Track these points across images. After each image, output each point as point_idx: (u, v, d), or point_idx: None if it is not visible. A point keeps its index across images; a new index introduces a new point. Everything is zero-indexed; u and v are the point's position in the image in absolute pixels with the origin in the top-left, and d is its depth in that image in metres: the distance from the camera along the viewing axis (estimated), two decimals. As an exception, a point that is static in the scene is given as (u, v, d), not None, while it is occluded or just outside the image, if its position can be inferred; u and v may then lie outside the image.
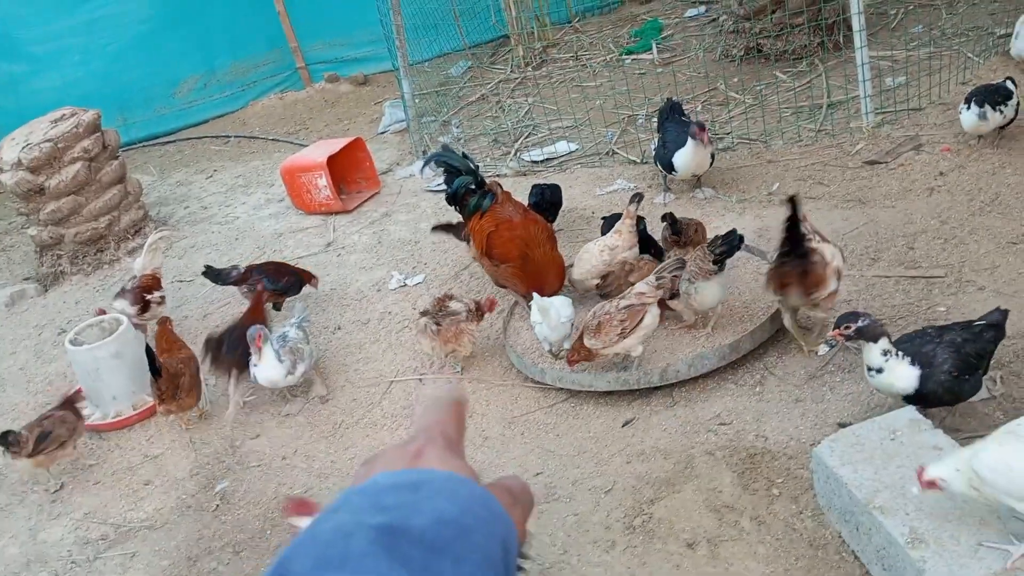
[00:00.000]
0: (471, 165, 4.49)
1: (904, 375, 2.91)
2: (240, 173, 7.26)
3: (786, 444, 3.24)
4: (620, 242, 4.21)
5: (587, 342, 3.84)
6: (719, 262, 3.88)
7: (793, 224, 3.38)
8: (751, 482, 3.17)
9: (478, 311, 4.12)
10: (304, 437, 4.09)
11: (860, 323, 3.00)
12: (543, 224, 4.38)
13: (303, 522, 2.77)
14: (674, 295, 3.92)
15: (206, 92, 8.34)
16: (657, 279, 3.92)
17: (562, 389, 3.91)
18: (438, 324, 4.00)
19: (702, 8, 8.21)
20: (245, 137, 7.99)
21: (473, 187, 4.42)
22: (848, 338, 3.03)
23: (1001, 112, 4.86)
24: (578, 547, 3.11)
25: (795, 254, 3.42)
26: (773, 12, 6.60)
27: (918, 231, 4.44)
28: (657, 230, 4.42)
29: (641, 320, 3.81)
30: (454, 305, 4.11)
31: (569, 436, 3.69)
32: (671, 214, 4.29)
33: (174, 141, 8.31)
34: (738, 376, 3.72)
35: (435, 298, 4.17)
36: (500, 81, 7.67)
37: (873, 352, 2.98)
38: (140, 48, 7.98)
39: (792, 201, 3.35)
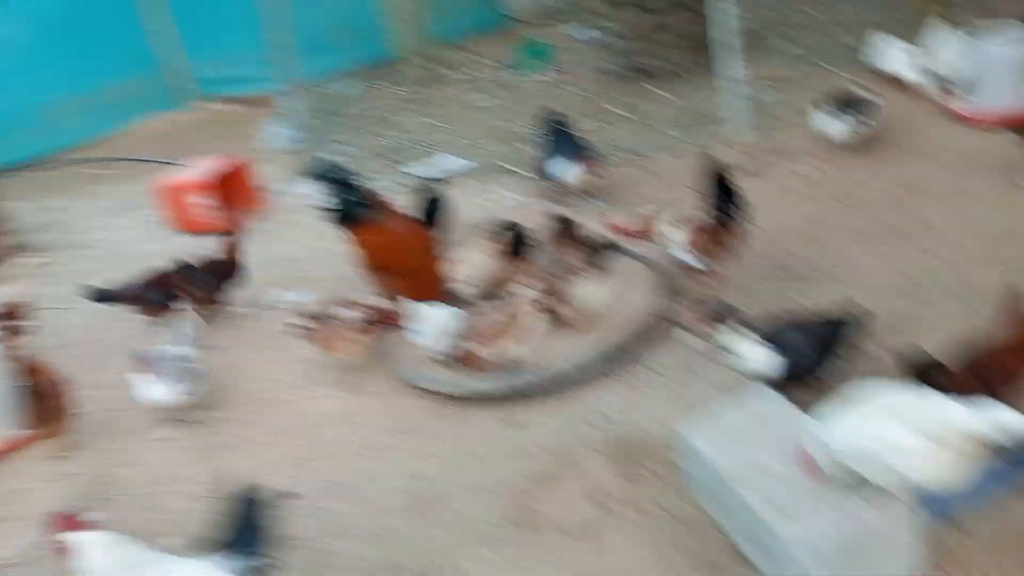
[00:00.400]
0: (356, 180, 4.49)
1: (766, 359, 3.05)
2: (119, 196, 6.99)
3: (662, 433, 3.31)
4: (484, 261, 4.32)
5: (473, 348, 3.86)
6: (601, 265, 4.00)
7: (723, 180, 3.79)
8: (630, 471, 3.24)
9: (377, 322, 4.10)
10: (181, 461, 3.93)
11: (725, 312, 3.15)
12: (426, 235, 4.40)
13: (74, 538, 2.68)
14: (558, 298, 3.99)
15: (84, 114, 8.01)
16: (540, 283, 3.99)
17: (448, 395, 3.90)
18: (312, 327, 3.97)
19: (588, 28, 8.44)
20: (126, 160, 7.71)
21: (357, 201, 4.40)
22: (716, 325, 3.16)
23: (863, 121, 5.20)
24: (463, 547, 3.10)
25: (730, 210, 3.87)
26: (655, 32, 6.87)
27: (788, 234, 4.66)
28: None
29: (526, 324, 3.86)
30: (343, 311, 4.08)
31: (455, 440, 3.67)
32: (561, 216, 4.40)
33: (50, 165, 7.94)
34: (619, 373, 3.80)
35: (331, 301, 4.14)
36: (391, 99, 7.69)
37: (738, 339, 3.12)
38: (12, 69, 7.62)
39: (712, 161, 3.69)
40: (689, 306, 3.50)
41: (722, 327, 3.18)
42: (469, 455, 3.55)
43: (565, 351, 3.93)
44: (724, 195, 4.05)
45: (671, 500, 3.04)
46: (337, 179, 4.49)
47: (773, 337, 3.10)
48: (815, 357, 3.07)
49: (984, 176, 4.85)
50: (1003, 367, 2.92)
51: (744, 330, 3.12)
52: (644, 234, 4.16)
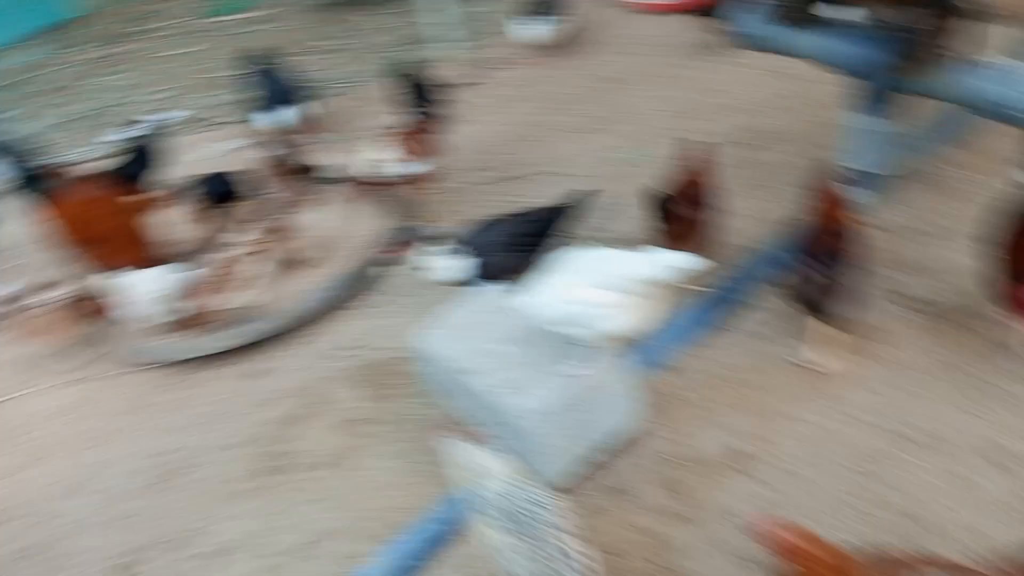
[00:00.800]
0: (30, 153, 4.04)
1: (462, 266, 3.03)
2: None
3: (402, 350, 3.31)
4: (191, 216, 4.06)
5: (196, 306, 3.63)
6: (321, 195, 3.88)
7: (417, 81, 3.96)
8: (375, 392, 3.23)
9: (82, 300, 3.72)
10: None
11: (413, 232, 3.14)
12: (123, 199, 4.03)
13: None
14: (282, 235, 3.84)
15: None
16: (259, 225, 3.81)
17: (180, 362, 3.66)
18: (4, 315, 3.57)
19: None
20: None
21: (36, 174, 3.97)
22: (407, 247, 3.12)
23: (558, 22, 5.39)
24: (213, 509, 2.94)
25: (431, 107, 4.00)
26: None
27: (507, 139, 4.78)
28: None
29: (249, 270, 3.68)
30: (40, 294, 3.68)
31: (195, 406, 3.45)
32: (275, 153, 4.21)
33: None
34: (355, 302, 3.75)
35: (23, 285, 3.72)
36: (79, 62, 6.93)
37: (431, 253, 3.08)
38: None
39: (402, 66, 4.01)
40: (381, 241, 3.35)
41: (413, 249, 3.11)
42: (211, 417, 3.36)
43: (298, 289, 3.80)
44: (422, 95, 4.13)
45: (415, 409, 3.07)
46: (8, 153, 4.03)
47: (466, 242, 3.08)
48: (512, 251, 3.05)
49: (671, 58, 5.21)
50: (692, 192, 3.29)
51: (432, 245, 3.08)
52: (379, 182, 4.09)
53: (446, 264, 3.02)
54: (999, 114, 3.11)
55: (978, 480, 2.57)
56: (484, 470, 2.17)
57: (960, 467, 2.61)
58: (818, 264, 2.78)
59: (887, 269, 3.30)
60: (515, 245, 3.05)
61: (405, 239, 3.15)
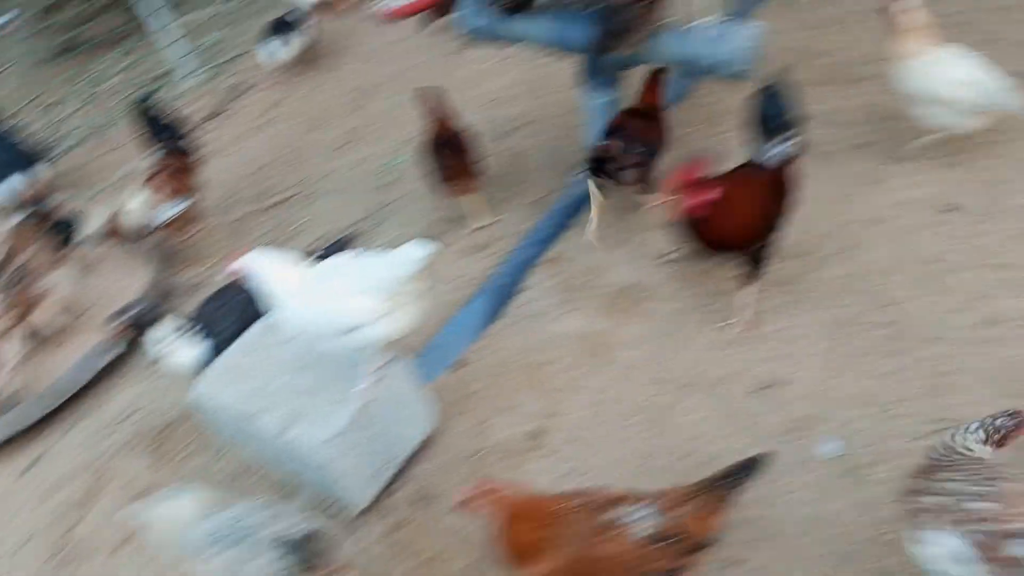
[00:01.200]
0: None
1: (191, 351, 2.79)
2: None
3: (181, 407, 3.17)
4: None
5: (-51, 405, 3.29)
6: (66, 255, 3.65)
7: (154, 117, 3.96)
8: (167, 455, 3.08)
9: None
10: None
11: (134, 312, 2.79)
12: None
13: None
14: (30, 306, 3.55)
15: None
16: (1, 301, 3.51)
17: (-60, 469, 3.31)
18: None
19: (7, 15, 7.39)
20: None
21: None
22: (129, 329, 2.83)
23: (293, 41, 5.30)
24: (2, 620, 2.71)
25: (174, 142, 3.93)
26: (70, 3, 6.23)
27: (265, 163, 4.66)
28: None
29: (-1, 353, 3.38)
30: None
31: (-35, 513, 3.15)
32: (22, 219, 3.89)
33: None
34: (128, 362, 3.55)
35: None
36: None
37: (159, 337, 2.78)
38: None
39: (137, 105, 3.97)
40: (111, 325, 2.90)
41: (133, 328, 2.81)
42: (-10, 521, 3.08)
43: (57, 363, 3.52)
44: (166, 133, 3.98)
45: (214, 462, 2.95)
46: None
47: (196, 319, 2.83)
48: (238, 323, 2.81)
49: (417, 60, 5.27)
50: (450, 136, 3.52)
51: (160, 329, 2.77)
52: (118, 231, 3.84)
53: (176, 352, 2.77)
54: (713, 73, 3.37)
55: (743, 408, 2.79)
56: (182, 516, 2.21)
57: (725, 400, 2.83)
58: (634, 144, 3.25)
59: (637, 231, 3.52)
60: (252, 313, 2.79)
61: (130, 322, 2.82)
